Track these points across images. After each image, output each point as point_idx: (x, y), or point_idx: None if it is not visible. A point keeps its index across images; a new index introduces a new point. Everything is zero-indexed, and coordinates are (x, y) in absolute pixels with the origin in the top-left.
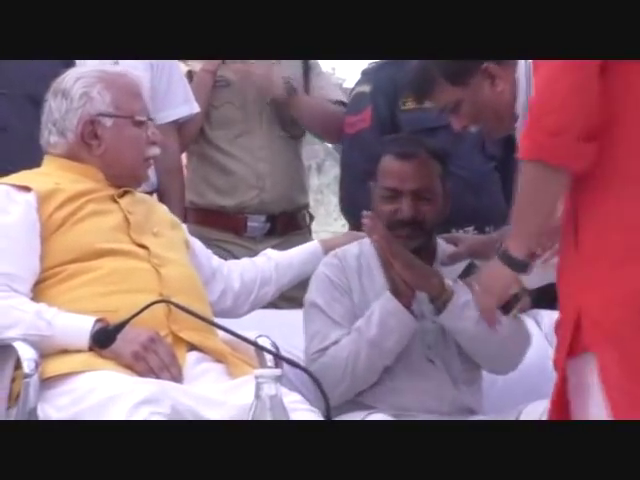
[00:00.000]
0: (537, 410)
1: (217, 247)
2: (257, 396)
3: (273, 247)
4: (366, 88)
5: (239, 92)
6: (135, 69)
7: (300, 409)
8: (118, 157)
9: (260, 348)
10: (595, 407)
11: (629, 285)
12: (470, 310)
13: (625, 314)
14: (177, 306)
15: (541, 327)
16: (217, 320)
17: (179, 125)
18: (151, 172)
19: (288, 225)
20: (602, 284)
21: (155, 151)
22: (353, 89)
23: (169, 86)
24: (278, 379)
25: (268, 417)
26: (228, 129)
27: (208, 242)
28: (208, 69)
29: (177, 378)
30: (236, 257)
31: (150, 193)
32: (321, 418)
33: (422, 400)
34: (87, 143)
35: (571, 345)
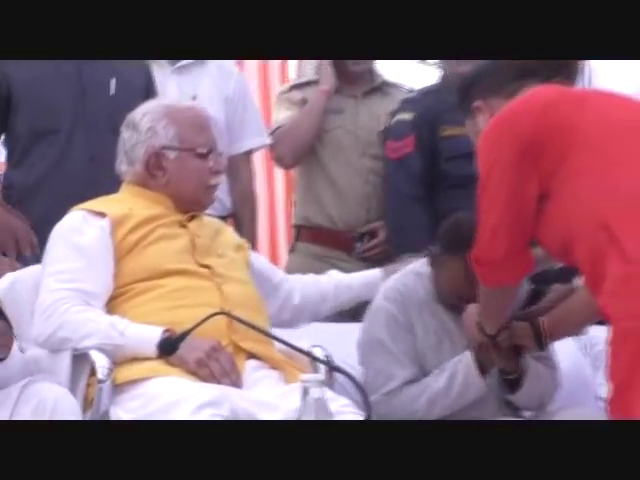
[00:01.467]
0: (569, 415)
1: (327, 263)
2: (303, 399)
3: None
4: (408, 116)
5: (351, 119)
6: (211, 104)
7: (347, 412)
8: (181, 186)
9: (312, 357)
10: None
11: None
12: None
13: None
14: (236, 318)
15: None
16: (275, 330)
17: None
18: (226, 197)
19: None
20: None
21: (218, 179)
22: (394, 116)
23: (243, 119)
24: (323, 383)
25: (312, 418)
26: (339, 152)
27: (319, 258)
28: (324, 90)
29: (237, 383)
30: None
31: (225, 217)
32: None
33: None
34: (152, 173)
35: None
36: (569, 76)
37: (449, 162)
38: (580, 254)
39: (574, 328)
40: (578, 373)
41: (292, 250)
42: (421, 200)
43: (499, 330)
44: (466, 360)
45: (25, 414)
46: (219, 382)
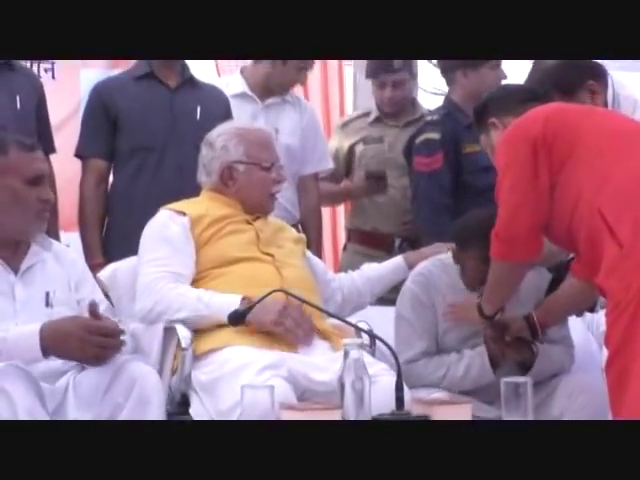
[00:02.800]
0: (572, 380)
1: (370, 260)
2: (345, 358)
3: None
4: (435, 136)
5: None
6: (290, 134)
7: (384, 374)
8: (248, 193)
9: (355, 327)
10: None
11: None
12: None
13: None
14: (292, 295)
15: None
16: None
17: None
18: (295, 210)
19: None
20: None
21: (279, 188)
22: (420, 134)
23: (314, 146)
24: (361, 346)
25: (352, 375)
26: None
27: (364, 256)
28: None
29: (309, 332)
30: None
31: (294, 225)
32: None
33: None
34: (225, 183)
35: None
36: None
37: (471, 175)
38: (580, 239)
39: (563, 316)
40: (586, 348)
41: (344, 249)
42: (450, 208)
43: (496, 312)
44: (481, 358)
45: (118, 390)
46: (296, 334)
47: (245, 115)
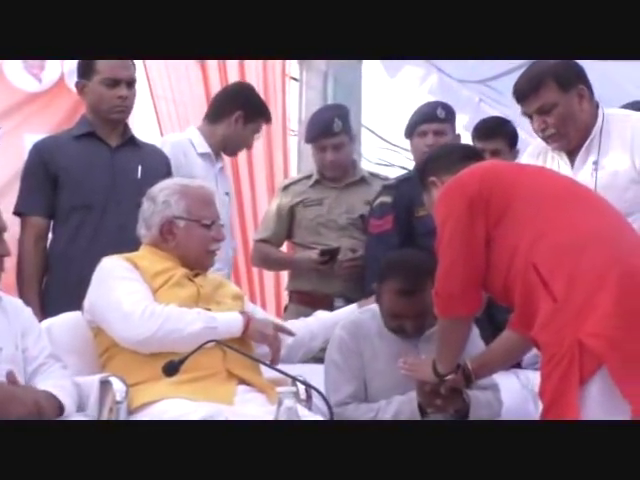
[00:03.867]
0: None
1: None
2: (278, 407)
3: None
4: (388, 199)
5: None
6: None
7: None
8: (187, 249)
9: (292, 378)
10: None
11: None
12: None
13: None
14: (228, 346)
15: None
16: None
17: None
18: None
19: None
20: (590, 310)
21: (218, 246)
22: (376, 199)
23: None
24: (294, 395)
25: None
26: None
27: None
28: None
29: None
30: None
31: None
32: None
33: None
34: (165, 237)
35: (580, 373)
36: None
37: (424, 237)
38: (516, 293)
39: (498, 368)
40: (521, 405)
41: (285, 310)
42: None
43: (449, 372)
44: (410, 404)
45: None
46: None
47: (210, 176)
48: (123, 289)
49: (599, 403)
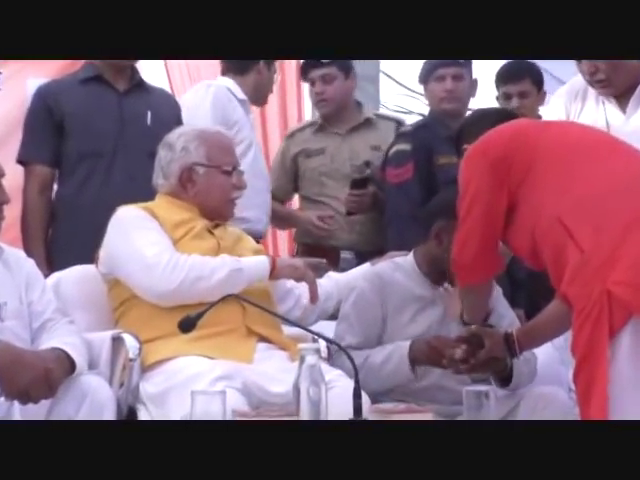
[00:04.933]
0: (537, 392)
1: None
2: (300, 364)
3: None
4: (407, 147)
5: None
6: None
7: (340, 380)
8: (207, 198)
9: (311, 332)
10: None
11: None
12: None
13: None
14: (247, 301)
15: None
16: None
17: None
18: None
19: None
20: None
21: (239, 194)
22: (392, 146)
23: None
24: (317, 351)
25: (308, 381)
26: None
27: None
28: None
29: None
30: None
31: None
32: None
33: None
34: (184, 185)
35: (610, 325)
36: None
37: (447, 187)
38: (545, 252)
39: (544, 341)
40: (549, 363)
41: None
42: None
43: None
44: (401, 351)
45: (68, 403)
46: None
47: (248, 125)
48: (144, 239)
49: (629, 357)
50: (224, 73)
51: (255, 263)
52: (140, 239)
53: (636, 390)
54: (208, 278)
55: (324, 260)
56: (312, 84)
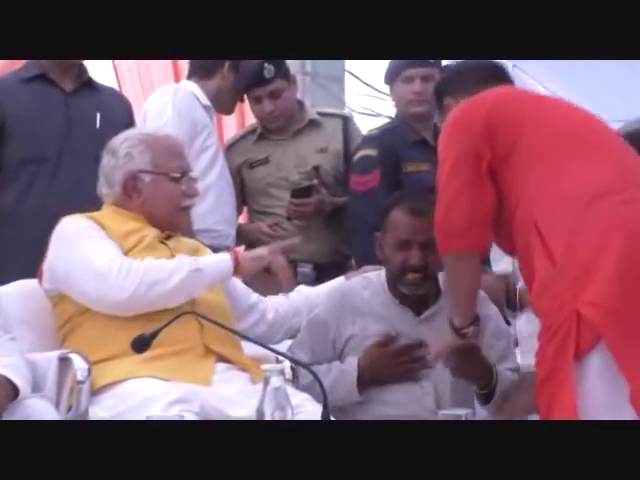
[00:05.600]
0: None
1: None
2: (265, 386)
3: None
4: (373, 152)
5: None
6: None
7: (306, 404)
8: (155, 207)
9: (278, 353)
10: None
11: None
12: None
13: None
14: (204, 318)
15: None
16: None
17: None
18: None
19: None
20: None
21: (191, 202)
22: (357, 151)
23: None
24: (282, 373)
25: (273, 405)
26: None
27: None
28: None
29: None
30: None
31: None
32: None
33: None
34: (129, 194)
35: (578, 346)
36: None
37: None
38: (517, 245)
39: None
40: None
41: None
42: None
43: (469, 324)
44: (347, 377)
45: None
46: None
47: (213, 131)
48: (92, 248)
49: (598, 379)
50: (189, 77)
51: (216, 261)
52: (88, 248)
53: (608, 411)
54: (165, 281)
55: (297, 240)
56: (257, 102)
